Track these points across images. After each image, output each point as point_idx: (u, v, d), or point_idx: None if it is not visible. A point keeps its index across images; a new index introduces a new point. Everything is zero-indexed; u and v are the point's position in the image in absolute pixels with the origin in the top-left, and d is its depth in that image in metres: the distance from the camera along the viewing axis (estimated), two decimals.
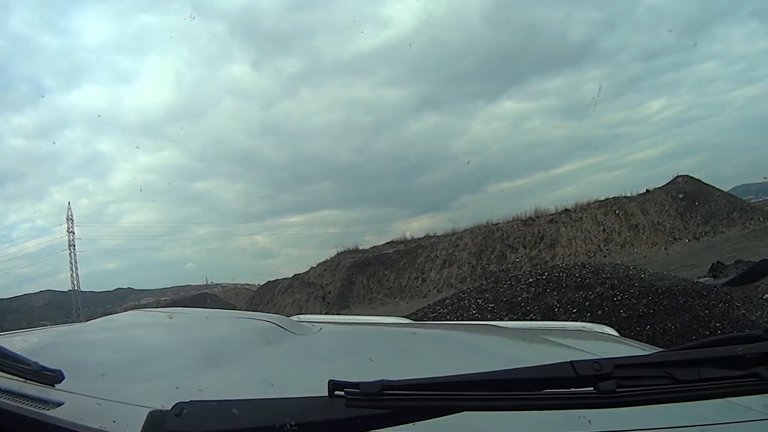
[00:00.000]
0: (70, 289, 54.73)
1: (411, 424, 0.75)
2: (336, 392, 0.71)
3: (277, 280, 39.15)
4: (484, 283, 11.02)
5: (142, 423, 0.77)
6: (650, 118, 58.40)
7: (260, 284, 43.71)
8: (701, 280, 12.47)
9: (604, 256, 27.38)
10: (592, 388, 0.71)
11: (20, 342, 1.55)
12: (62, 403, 0.98)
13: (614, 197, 31.35)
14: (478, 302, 9.72)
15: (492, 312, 9.04)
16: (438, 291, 29.18)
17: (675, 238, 28.64)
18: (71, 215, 56.99)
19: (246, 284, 53.73)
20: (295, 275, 36.59)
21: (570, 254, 28.70)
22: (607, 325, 2.11)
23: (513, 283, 10.11)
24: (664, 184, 31.99)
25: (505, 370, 0.74)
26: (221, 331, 1.68)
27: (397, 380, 0.73)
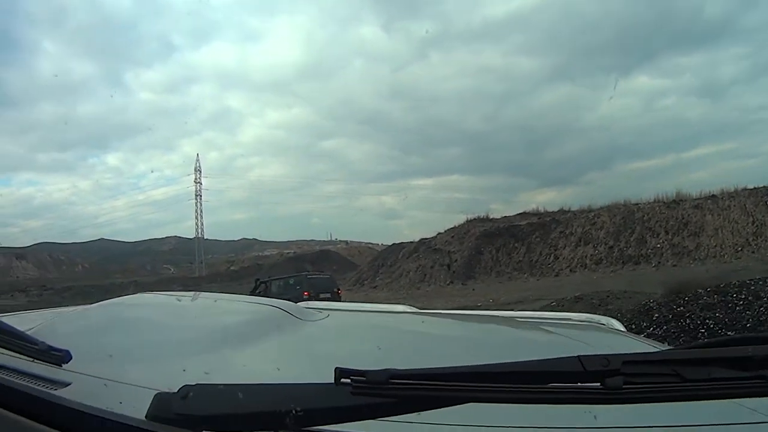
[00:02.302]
0: (195, 236, 58.51)
1: (416, 413, 0.74)
2: (342, 380, 0.71)
3: (402, 243, 38.73)
4: (701, 291, 8.75)
5: (149, 404, 0.78)
6: None
7: (384, 244, 43.97)
8: None
9: (753, 252, 25.67)
10: (599, 384, 0.71)
11: (28, 322, 1.54)
12: (69, 384, 0.98)
13: (765, 186, 28.81)
14: (707, 323, 7.68)
15: None
16: (571, 270, 28.41)
17: None
18: (199, 166, 60.72)
19: (369, 243, 54.88)
20: (421, 239, 36.20)
21: (715, 245, 26.92)
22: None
23: (745, 295, 7.75)
24: None
25: (512, 362, 0.74)
26: (229, 316, 1.69)
27: (404, 369, 0.72)
